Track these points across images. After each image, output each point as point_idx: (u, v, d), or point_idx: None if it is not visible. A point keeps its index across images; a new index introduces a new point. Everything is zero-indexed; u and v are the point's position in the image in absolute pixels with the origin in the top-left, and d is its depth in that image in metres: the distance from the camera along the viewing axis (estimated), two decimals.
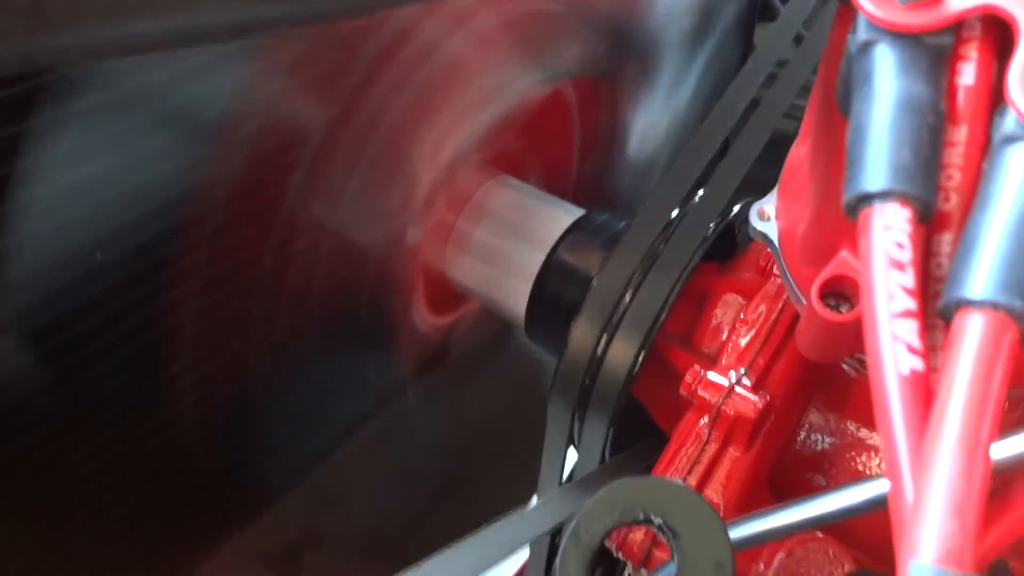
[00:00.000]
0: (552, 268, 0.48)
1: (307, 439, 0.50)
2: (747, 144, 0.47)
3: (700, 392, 0.37)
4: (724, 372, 0.38)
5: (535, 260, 0.48)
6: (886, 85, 0.18)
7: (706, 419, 0.37)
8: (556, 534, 0.42)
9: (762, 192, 0.35)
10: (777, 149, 0.37)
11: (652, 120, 0.65)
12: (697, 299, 0.43)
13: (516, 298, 0.49)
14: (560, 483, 0.45)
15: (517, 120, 0.52)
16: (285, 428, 0.48)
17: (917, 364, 0.16)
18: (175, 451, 0.41)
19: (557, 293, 0.47)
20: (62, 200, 0.30)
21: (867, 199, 0.18)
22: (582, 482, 0.41)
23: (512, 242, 0.50)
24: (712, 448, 0.37)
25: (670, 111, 0.65)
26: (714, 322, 0.42)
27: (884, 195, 0.17)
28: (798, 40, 0.54)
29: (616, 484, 0.22)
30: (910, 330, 0.16)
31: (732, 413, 0.36)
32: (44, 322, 0.32)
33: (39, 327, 0.32)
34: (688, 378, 0.38)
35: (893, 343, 0.16)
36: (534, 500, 0.55)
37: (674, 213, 0.44)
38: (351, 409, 0.52)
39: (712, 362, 0.39)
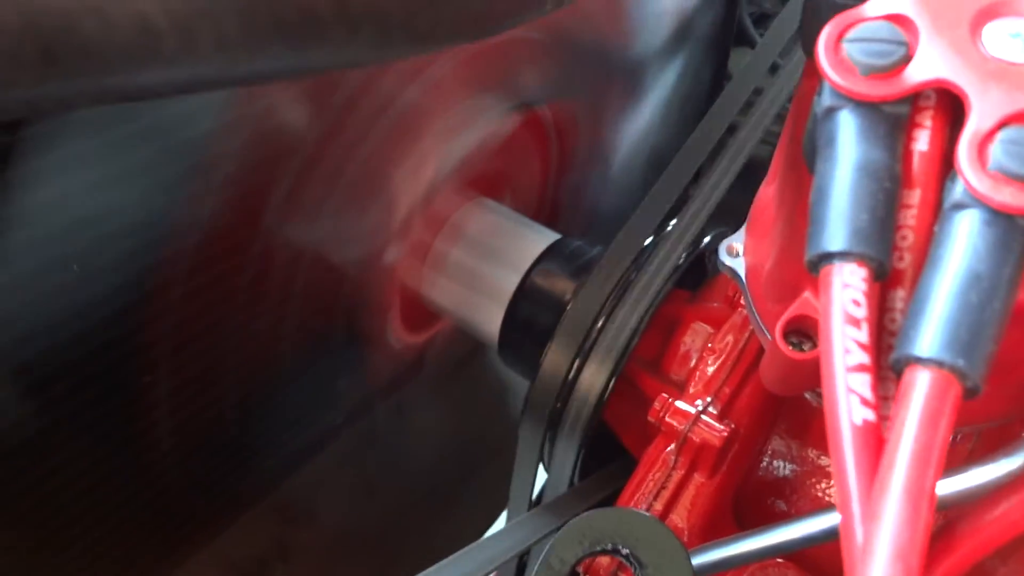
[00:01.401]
0: (526, 292, 0.49)
1: (277, 452, 0.50)
2: (721, 172, 0.48)
3: (668, 419, 0.38)
4: (691, 400, 0.39)
5: (510, 283, 0.49)
6: (847, 150, 0.20)
7: (673, 446, 0.38)
8: (524, 555, 0.43)
9: (735, 218, 0.36)
10: (754, 174, 0.39)
11: (626, 141, 0.66)
12: (667, 326, 0.44)
13: (490, 320, 0.50)
14: (530, 503, 0.46)
15: (495, 143, 0.53)
16: (256, 441, 0.48)
17: (869, 415, 0.18)
18: (146, 462, 0.41)
19: (531, 317, 0.48)
20: (41, 212, 0.31)
21: (827, 258, 0.19)
22: (551, 506, 0.42)
23: (487, 265, 0.51)
24: (678, 474, 0.38)
25: (644, 132, 0.67)
26: (683, 349, 0.43)
27: (843, 255, 0.19)
28: (774, 69, 0.55)
29: (586, 515, 0.23)
30: (863, 383, 0.18)
31: (698, 440, 0.38)
32: (18, 333, 0.32)
33: (13, 338, 0.32)
34: (656, 405, 0.39)
35: (847, 395, 0.18)
36: (503, 518, 0.56)
37: (647, 241, 0.45)
38: (322, 423, 0.53)
39: (680, 389, 0.41)
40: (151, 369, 0.38)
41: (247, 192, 0.38)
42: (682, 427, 0.38)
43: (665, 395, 0.40)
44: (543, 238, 0.51)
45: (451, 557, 0.34)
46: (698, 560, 0.30)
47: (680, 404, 0.39)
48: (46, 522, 0.37)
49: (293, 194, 0.40)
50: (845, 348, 0.18)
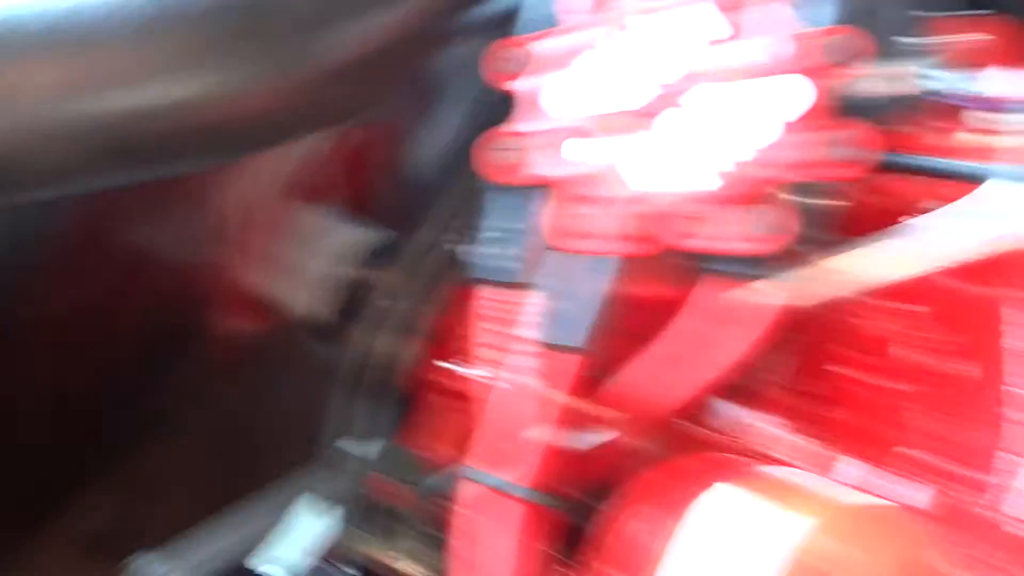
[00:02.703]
0: (346, 282, 0.56)
1: (116, 429, 0.54)
2: None
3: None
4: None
5: (331, 274, 0.57)
6: None
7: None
8: None
9: None
10: None
11: (432, 152, 0.73)
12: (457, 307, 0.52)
13: (309, 306, 0.57)
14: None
15: (321, 155, 0.59)
16: (94, 418, 0.52)
17: None
18: None
19: (345, 302, 0.56)
20: None
21: None
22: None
23: (310, 258, 0.58)
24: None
25: (447, 145, 0.74)
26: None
27: None
28: None
29: None
30: None
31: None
32: None
33: None
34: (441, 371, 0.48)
35: None
36: None
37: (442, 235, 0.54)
38: (155, 406, 0.57)
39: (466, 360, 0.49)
40: None
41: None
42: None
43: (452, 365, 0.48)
44: (360, 234, 0.59)
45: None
46: None
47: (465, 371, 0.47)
48: None
49: (123, 201, 0.44)
50: None
